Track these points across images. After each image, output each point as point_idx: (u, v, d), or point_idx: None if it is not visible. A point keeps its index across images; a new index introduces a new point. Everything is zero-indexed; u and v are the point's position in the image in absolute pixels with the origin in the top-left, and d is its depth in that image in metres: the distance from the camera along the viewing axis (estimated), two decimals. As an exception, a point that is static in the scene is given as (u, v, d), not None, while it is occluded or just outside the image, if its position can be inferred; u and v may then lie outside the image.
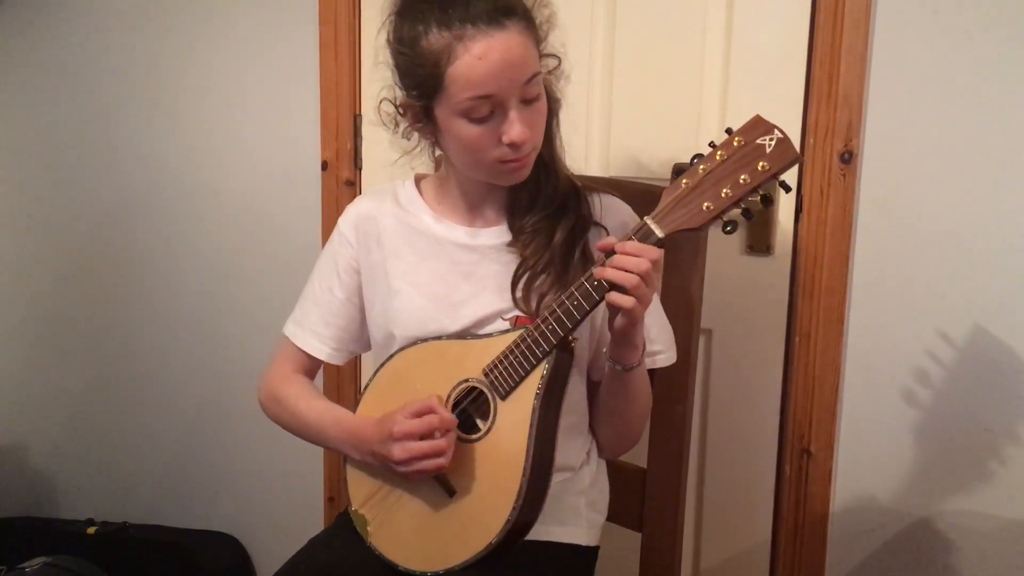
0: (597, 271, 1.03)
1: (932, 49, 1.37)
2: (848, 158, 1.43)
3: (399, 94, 1.13)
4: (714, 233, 1.28)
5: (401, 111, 1.15)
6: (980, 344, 1.39)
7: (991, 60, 1.34)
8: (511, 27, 1.04)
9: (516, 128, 1.06)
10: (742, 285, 1.55)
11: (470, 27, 1.02)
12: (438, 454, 1.08)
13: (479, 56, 1.02)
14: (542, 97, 1.10)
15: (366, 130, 1.80)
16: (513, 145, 1.07)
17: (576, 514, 1.24)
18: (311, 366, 1.30)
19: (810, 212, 1.47)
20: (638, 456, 1.34)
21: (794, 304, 1.52)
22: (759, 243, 1.53)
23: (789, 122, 1.45)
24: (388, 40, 1.11)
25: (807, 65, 1.45)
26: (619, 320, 1.07)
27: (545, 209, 1.17)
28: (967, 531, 1.44)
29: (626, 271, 1.01)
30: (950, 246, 1.40)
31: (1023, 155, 1.34)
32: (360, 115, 1.80)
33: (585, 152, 1.63)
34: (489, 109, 1.05)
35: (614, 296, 1.02)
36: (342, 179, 1.84)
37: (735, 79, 1.51)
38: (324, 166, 1.85)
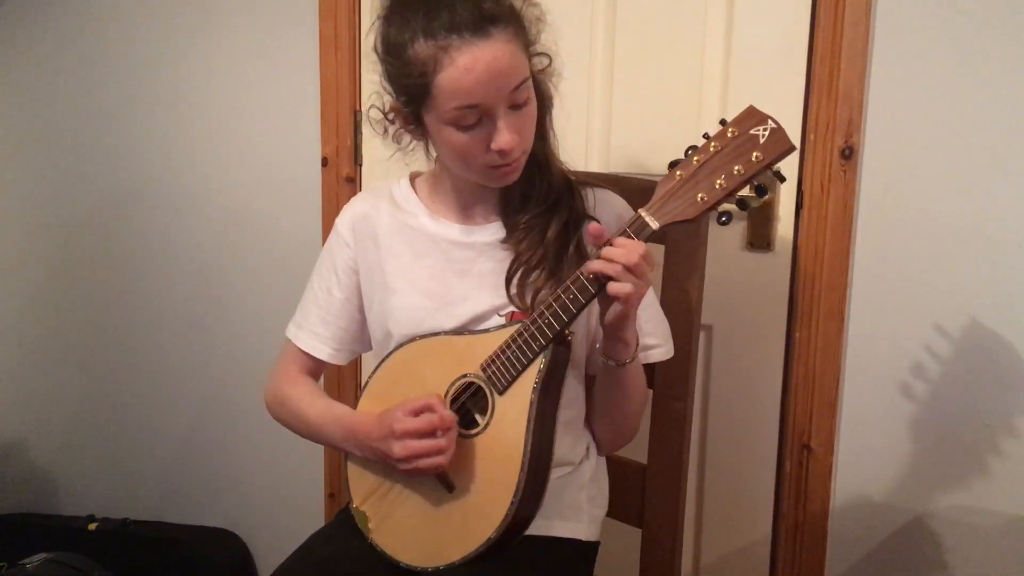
0: (587, 265, 1.03)
1: (932, 45, 1.37)
2: (849, 154, 1.43)
3: (387, 99, 1.13)
4: (714, 229, 1.28)
5: (391, 116, 1.16)
6: (980, 339, 1.39)
7: (991, 56, 1.34)
8: (497, 36, 1.02)
9: (504, 137, 1.06)
10: (742, 281, 1.55)
11: (455, 37, 1.01)
12: (438, 453, 1.08)
13: (465, 68, 1.02)
14: (531, 101, 1.09)
15: (366, 126, 1.79)
16: (501, 152, 1.07)
17: (577, 509, 1.24)
18: (314, 367, 1.30)
19: (810, 208, 1.47)
20: (638, 452, 1.34)
21: (794, 300, 1.52)
22: (759, 239, 1.52)
23: (790, 118, 1.45)
24: (375, 47, 1.11)
25: (808, 61, 1.45)
26: (609, 315, 1.07)
27: (539, 206, 1.17)
28: (967, 526, 1.44)
29: (613, 262, 1.01)
30: (950, 242, 1.39)
31: (1022, 151, 1.34)
32: (360, 111, 1.80)
33: (585, 149, 1.63)
34: (477, 117, 1.05)
35: (611, 284, 1.02)
36: (342, 175, 1.83)
37: (735, 75, 1.51)
38: (324, 162, 1.85)
